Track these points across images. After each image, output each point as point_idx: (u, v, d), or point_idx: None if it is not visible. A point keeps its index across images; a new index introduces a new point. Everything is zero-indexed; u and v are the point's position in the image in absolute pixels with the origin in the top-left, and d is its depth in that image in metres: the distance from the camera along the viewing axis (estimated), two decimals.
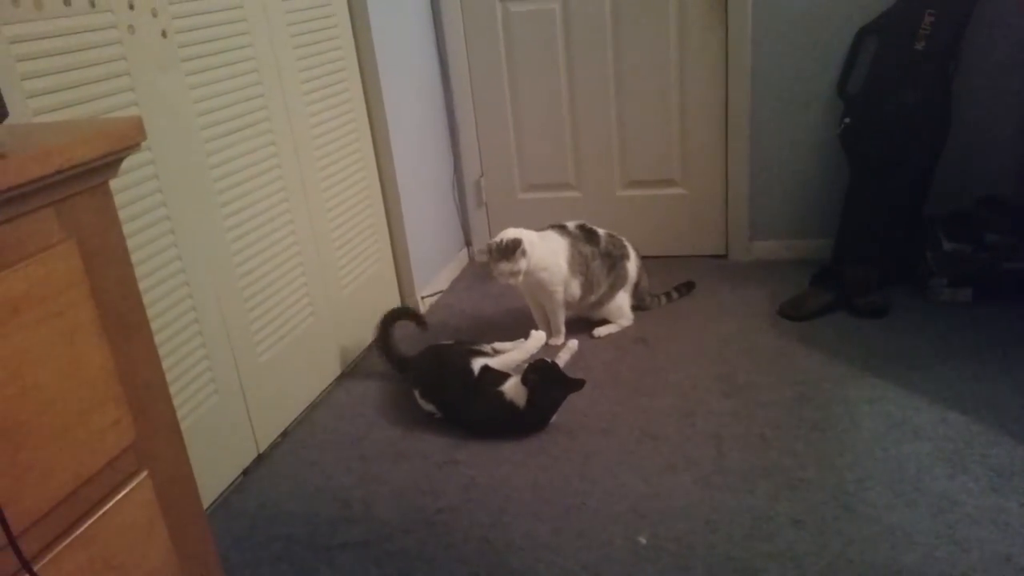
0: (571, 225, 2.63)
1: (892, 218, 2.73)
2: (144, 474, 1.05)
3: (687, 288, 2.89)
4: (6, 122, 0.98)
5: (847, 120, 2.78)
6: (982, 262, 2.57)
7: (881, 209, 2.73)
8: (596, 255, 2.60)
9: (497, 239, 2.42)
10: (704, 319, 2.71)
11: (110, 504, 1.00)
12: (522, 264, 2.40)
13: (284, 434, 2.30)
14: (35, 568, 0.88)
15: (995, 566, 1.56)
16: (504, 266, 2.39)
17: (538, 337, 2.34)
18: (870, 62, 2.74)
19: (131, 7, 1.74)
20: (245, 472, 2.14)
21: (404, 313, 2.59)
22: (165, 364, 1.82)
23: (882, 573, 1.58)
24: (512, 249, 2.38)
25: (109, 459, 0.99)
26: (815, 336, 2.51)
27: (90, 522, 0.97)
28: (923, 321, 2.53)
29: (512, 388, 2.14)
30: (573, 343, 2.46)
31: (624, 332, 2.68)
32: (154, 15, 1.81)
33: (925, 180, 2.73)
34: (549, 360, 2.20)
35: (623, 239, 2.70)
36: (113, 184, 1.01)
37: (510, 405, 2.12)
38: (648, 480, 1.93)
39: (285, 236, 2.30)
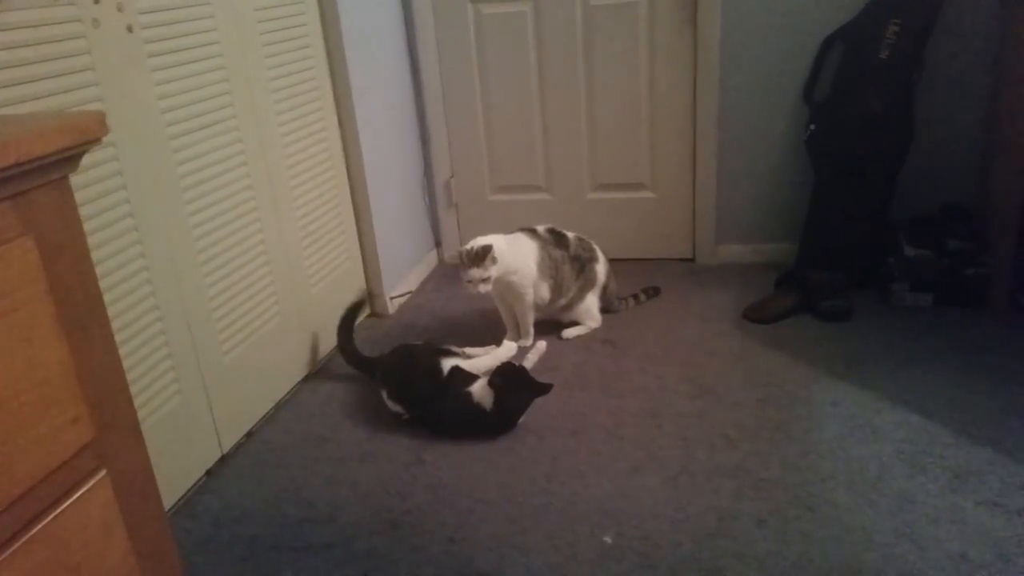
0: (541, 229, 2.64)
1: (855, 223, 2.77)
2: (103, 473, 1.04)
3: (654, 292, 2.92)
4: None
5: (813, 127, 2.82)
6: (943, 268, 2.62)
7: (845, 214, 2.77)
8: (566, 259, 2.61)
9: (468, 246, 2.42)
10: (671, 322, 2.73)
11: (67, 503, 0.98)
12: (492, 270, 2.41)
13: (249, 434, 2.28)
14: None
15: (951, 564, 1.59)
16: (475, 272, 2.39)
17: (510, 347, 2.39)
18: (835, 70, 2.78)
19: (96, 1, 1.71)
20: (208, 472, 2.12)
21: (358, 307, 2.59)
22: (127, 363, 1.80)
23: (843, 571, 1.60)
24: (483, 256, 2.39)
25: (66, 457, 0.97)
26: (779, 339, 2.54)
27: (46, 521, 0.95)
28: (885, 325, 2.57)
29: (480, 390, 2.14)
30: (541, 344, 2.47)
31: (592, 334, 2.69)
32: (119, 9, 1.78)
33: (888, 186, 2.77)
34: (517, 364, 2.20)
35: (592, 242, 2.72)
36: (75, 180, 1.00)
37: (477, 407, 2.12)
38: (615, 480, 1.94)
39: (251, 235, 2.28)
